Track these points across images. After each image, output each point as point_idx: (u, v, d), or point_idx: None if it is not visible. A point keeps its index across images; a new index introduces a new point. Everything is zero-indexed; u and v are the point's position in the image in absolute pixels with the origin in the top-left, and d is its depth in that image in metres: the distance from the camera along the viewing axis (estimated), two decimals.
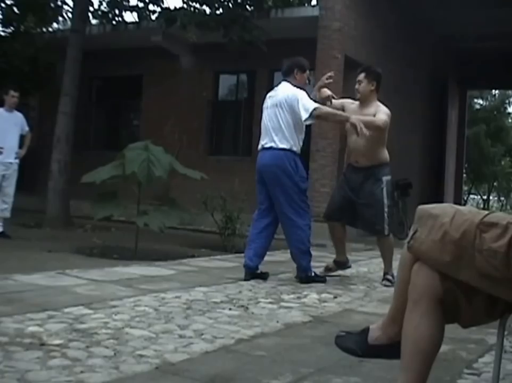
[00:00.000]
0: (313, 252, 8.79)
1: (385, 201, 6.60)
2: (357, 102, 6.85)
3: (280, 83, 6.66)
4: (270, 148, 6.41)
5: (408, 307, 2.35)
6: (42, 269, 6.17)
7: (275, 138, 6.37)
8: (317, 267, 7.63)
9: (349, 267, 7.23)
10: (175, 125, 15.59)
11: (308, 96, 6.42)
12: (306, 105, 6.24)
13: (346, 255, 7.13)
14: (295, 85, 6.47)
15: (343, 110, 6.75)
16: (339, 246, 7.04)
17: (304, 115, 6.22)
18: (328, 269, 7.06)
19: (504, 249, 2.14)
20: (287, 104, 6.33)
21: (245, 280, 6.35)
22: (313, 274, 6.48)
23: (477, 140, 31.08)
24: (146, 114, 16.62)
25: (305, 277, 6.41)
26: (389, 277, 6.57)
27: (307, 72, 6.72)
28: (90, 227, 11.24)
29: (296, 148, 6.41)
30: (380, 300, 5.59)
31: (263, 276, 6.52)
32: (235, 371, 3.20)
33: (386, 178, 6.68)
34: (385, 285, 6.48)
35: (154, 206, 8.26)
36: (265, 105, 6.64)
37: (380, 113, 6.63)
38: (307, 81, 6.71)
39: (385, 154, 6.77)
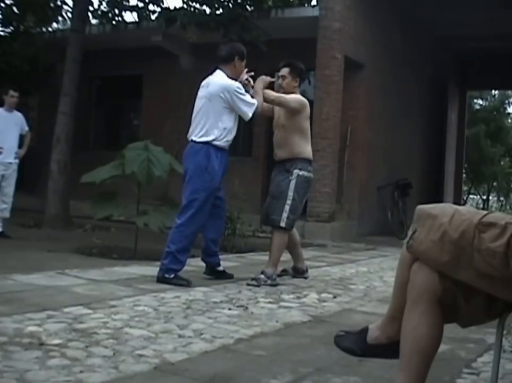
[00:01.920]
0: (313, 252, 8.84)
1: (289, 193, 6.29)
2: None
3: (214, 70, 6.35)
4: (191, 140, 6.25)
5: (407, 307, 2.35)
6: (42, 269, 6.18)
7: (196, 131, 6.20)
8: (317, 267, 7.66)
9: (306, 277, 6.79)
10: (175, 125, 15.57)
11: (244, 88, 6.23)
12: (247, 102, 6.11)
13: (303, 262, 6.89)
14: (229, 77, 6.20)
15: (273, 110, 6.72)
16: (291, 251, 6.85)
17: (248, 115, 6.14)
18: (283, 271, 6.84)
19: (503, 249, 2.14)
20: (220, 98, 6.05)
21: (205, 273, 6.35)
22: (170, 276, 5.88)
23: (476, 140, 31.06)
24: (146, 114, 16.61)
25: (162, 277, 5.91)
26: (262, 276, 6.13)
27: (245, 60, 6.44)
28: (90, 227, 11.24)
29: (218, 141, 6.11)
30: (379, 300, 5.60)
31: (225, 276, 6.41)
32: (234, 371, 3.21)
33: (297, 172, 6.37)
34: (248, 284, 6.04)
35: (154, 206, 8.26)
36: (198, 95, 6.36)
37: (294, 96, 6.49)
38: (243, 69, 6.40)
39: (303, 147, 6.51)
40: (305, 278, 6.74)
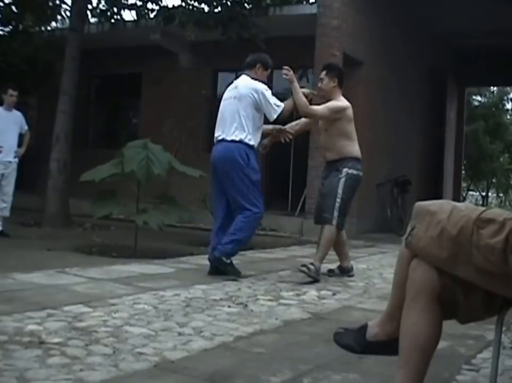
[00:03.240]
0: (312, 250, 8.82)
1: (339, 191, 6.44)
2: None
3: (240, 75, 6.70)
4: (222, 140, 6.46)
5: (406, 304, 2.35)
6: (42, 267, 6.18)
7: (230, 130, 6.40)
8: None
9: (352, 275, 6.93)
10: (174, 123, 15.58)
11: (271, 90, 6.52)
12: (274, 104, 6.39)
13: (349, 261, 7.03)
14: (254, 79, 6.53)
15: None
16: (337, 250, 6.96)
17: (273, 115, 6.38)
18: (330, 271, 7.00)
19: (501, 245, 2.15)
20: (250, 98, 6.36)
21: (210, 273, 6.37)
22: (228, 261, 6.20)
23: (475, 136, 31.04)
24: (145, 112, 16.61)
25: (218, 258, 6.18)
26: (313, 268, 6.24)
27: (269, 71, 6.79)
28: (90, 225, 11.24)
29: (250, 140, 6.36)
30: (379, 297, 5.60)
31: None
32: (234, 368, 3.21)
33: (347, 170, 6.54)
34: (300, 270, 6.25)
35: (153, 204, 8.26)
36: (224, 97, 6.66)
37: (326, 105, 6.65)
38: (266, 80, 6.72)
39: (350, 148, 6.68)
40: (351, 276, 6.89)
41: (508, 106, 36.64)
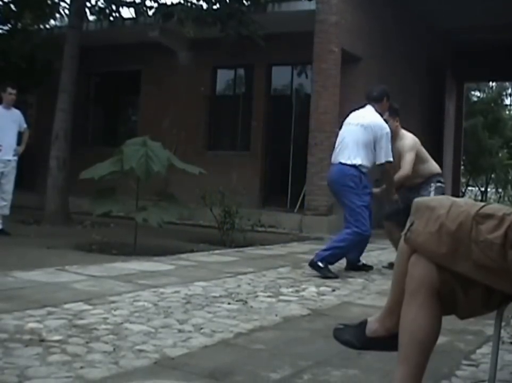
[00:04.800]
0: (311, 246, 8.85)
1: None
2: None
3: (365, 105, 7.00)
4: (339, 163, 6.80)
5: (405, 299, 2.36)
6: (42, 265, 6.18)
7: (345, 154, 6.74)
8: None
9: None
10: (173, 121, 15.59)
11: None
12: (387, 153, 6.76)
13: None
14: (378, 112, 6.89)
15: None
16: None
17: (381, 160, 6.75)
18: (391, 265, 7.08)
19: (500, 240, 2.15)
20: (374, 131, 6.70)
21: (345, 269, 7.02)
22: (321, 265, 6.45)
23: (474, 132, 31.01)
24: (144, 110, 16.61)
25: (313, 262, 6.48)
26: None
27: (389, 99, 7.15)
28: (89, 223, 11.23)
29: (364, 167, 6.72)
30: (378, 293, 5.61)
31: (365, 268, 7.12)
32: (234, 365, 3.21)
33: (435, 184, 7.22)
34: (384, 267, 7.00)
35: (153, 202, 8.26)
36: (347, 121, 7.02)
37: (405, 159, 7.13)
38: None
39: (431, 167, 7.40)
40: None
41: (507, 101, 36.65)
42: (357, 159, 6.67)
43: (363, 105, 7.04)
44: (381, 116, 6.90)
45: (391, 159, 6.79)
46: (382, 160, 6.74)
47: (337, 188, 6.86)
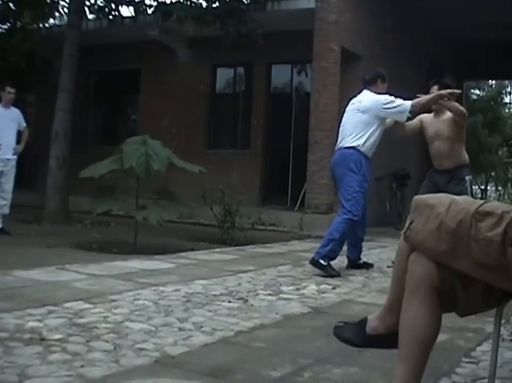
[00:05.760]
0: (311, 244, 8.85)
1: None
2: (431, 115, 7.19)
3: (361, 91, 7.08)
4: (340, 148, 6.87)
5: (405, 297, 2.36)
6: (42, 264, 6.18)
7: (348, 138, 6.79)
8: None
9: None
10: (173, 119, 15.59)
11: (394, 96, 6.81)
12: (397, 110, 6.72)
13: None
14: (376, 93, 6.92)
15: (421, 125, 7.19)
16: None
17: (402, 118, 6.81)
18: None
19: (500, 238, 2.15)
20: (370, 109, 6.76)
21: (346, 267, 7.05)
22: (324, 263, 6.44)
23: (474, 130, 30.91)
24: (144, 109, 16.61)
25: (315, 261, 6.49)
26: None
27: (386, 83, 7.17)
28: (89, 222, 11.24)
29: (365, 149, 6.78)
30: (378, 291, 5.61)
31: (366, 266, 7.16)
32: (235, 363, 3.22)
33: (468, 178, 7.03)
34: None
35: (153, 200, 8.26)
36: (347, 109, 7.08)
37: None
38: (385, 90, 7.09)
39: (465, 155, 7.18)
40: None
41: (507, 99, 36.62)
42: (357, 141, 6.74)
43: (360, 91, 7.14)
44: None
45: (405, 103, 6.74)
46: (404, 117, 6.79)
47: (338, 171, 6.88)
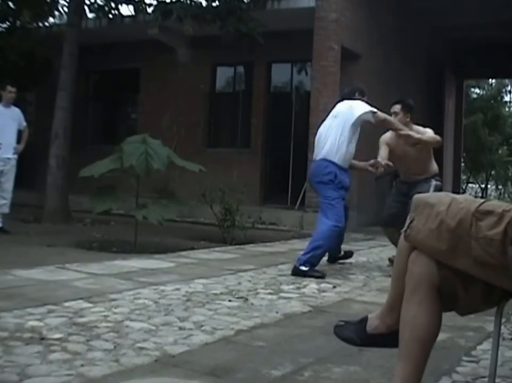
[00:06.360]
0: None
1: None
2: (392, 135, 7.15)
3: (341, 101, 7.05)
4: (316, 160, 6.85)
5: (406, 296, 2.35)
6: (42, 264, 6.18)
7: (322, 150, 6.75)
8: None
9: None
10: (173, 118, 15.59)
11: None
12: (365, 108, 6.67)
13: None
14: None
15: (390, 149, 7.09)
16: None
17: (372, 119, 6.68)
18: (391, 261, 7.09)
19: (500, 237, 2.15)
20: (343, 114, 6.72)
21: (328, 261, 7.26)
22: (306, 269, 6.30)
23: (474, 129, 31.01)
24: (144, 108, 16.60)
25: (297, 269, 6.35)
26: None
27: (366, 97, 7.09)
28: (89, 221, 11.24)
29: (339, 161, 6.68)
30: (379, 290, 5.61)
31: (346, 256, 7.49)
32: (235, 362, 3.21)
33: (435, 183, 7.15)
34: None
35: (153, 199, 8.26)
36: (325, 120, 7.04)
37: (427, 132, 7.14)
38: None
39: (434, 166, 7.37)
40: None
41: (506, 98, 36.66)
42: (332, 155, 6.66)
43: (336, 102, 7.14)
44: None
45: (372, 109, 6.69)
46: (373, 119, 6.68)
47: (314, 184, 6.92)
